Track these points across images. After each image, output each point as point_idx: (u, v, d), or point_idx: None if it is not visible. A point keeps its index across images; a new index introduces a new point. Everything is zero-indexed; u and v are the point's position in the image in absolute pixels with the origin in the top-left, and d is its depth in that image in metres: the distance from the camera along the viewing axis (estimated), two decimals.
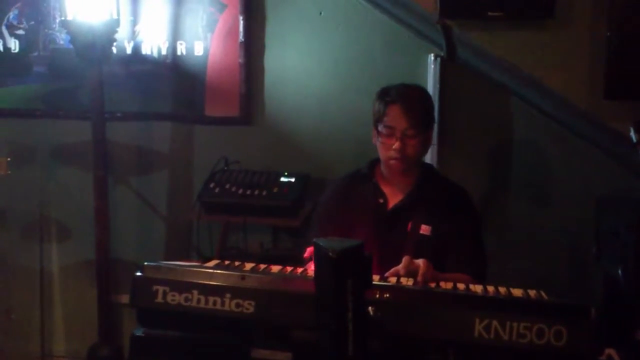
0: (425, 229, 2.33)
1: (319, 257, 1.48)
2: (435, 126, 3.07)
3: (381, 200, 2.41)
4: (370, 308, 1.54)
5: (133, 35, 3.53)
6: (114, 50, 3.34)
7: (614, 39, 2.91)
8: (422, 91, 2.48)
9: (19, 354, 3.75)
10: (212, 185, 3.24)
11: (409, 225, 2.34)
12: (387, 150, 2.34)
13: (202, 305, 1.64)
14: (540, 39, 3.05)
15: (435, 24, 3.12)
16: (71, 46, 3.29)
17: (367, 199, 2.42)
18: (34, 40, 3.63)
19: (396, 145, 2.31)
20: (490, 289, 1.81)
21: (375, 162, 2.47)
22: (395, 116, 2.32)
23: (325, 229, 2.38)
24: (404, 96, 2.35)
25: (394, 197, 2.41)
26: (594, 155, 3.20)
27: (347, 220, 2.37)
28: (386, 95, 2.37)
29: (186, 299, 1.65)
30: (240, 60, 3.45)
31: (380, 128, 2.36)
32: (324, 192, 2.60)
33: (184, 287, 1.66)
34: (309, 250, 2.08)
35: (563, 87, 3.05)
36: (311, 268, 2.02)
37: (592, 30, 3.00)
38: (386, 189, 2.42)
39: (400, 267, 2.02)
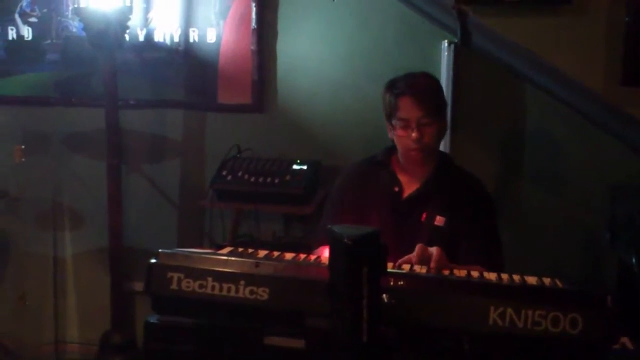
0: (439, 220, 2.32)
1: (334, 244, 1.47)
2: (449, 113, 3.07)
3: (396, 189, 2.40)
4: (384, 295, 1.54)
5: (146, 22, 3.53)
6: (127, 37, 3.35)
7: (632, 25, 2.88)
8: (429, 77, 2.46)
9: (33, 341, 3.77)
10: (224, 172, 3.24)
11: (424, 216, 2.33)
12: (405, 141, 2.33)
13: (216, 292, 1.64)
14: (557, 24, 3.03)
15: (451, 10, 3.09)
16: (84, 33, 3.29)
17: (382, 186, 2.41)
18: (46, 27, 3.64)
19: (414, 135, 2.29)
20: (505, 276, 1.80)
21: (391, 149, 2.46)
22: (408, 107, 2.30)
23: (339, 215, 2.38)
24: (413, 86, 2.34)
25: (409, 186, 2.40)
26: (608, 142, 3.17)
27: (361, 207, 2.37)
28: (394, 88, 2.36)
29: (201, 286, 1.65)
30: (253, 47, 3.44)
31: (394, 122, 2.34)
32: (337, 177, 2.59)
33: (199, 274, 1.65)
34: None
35: (580, 73, 3.03)
36: (323, 254, 2.02)
37: (610, 16, 2.97)
38: (402, 178, 2.41)
39: (413, 256, 2.01)
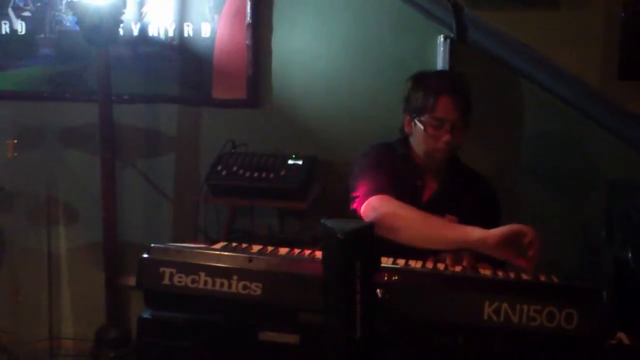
0: (450, 219, 2.28)
1: (327, 239, 1.46)
2: None
3: (419, 183, 2.37)
4: (378, 290, 1.53)
5: (140, 16, 3.51)
6: (121, 32, 3.32)
7: (628, 19, 2.87)
8: (464, 78, 2.42)
9: (27, 336, 3.75)
10: (219, 168, 3.23)
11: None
12: (435, 142, 2.30)
13: (209, 287, 1.63)
14: (554, 18, 3.01)
15: (446, 4, 3.08)
16: (78, 28, 3.27)
17: (405, 178, 2.37)
18: (40, 22, 3.62)
19: (446, 137, 2.27)
20: (500, 271, 1.80)
21: (407, 141, 2.42)
22: (447, 108, 2.27)
23: (387, 177, 2.29)
24: (454, 86, 2.31)
25: (429, 183, 2.38)
26: (605, 138, 3.16)
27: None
28: (429, 84, 2.31)
29: (193, 281, 1.64)
30: (248, 41, 3.43)
31: (425, 119, 2.30)
32: (367, 150, 2.47)
33: (191, 269, 1.64)
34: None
35: (576, 67, 3.02)
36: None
37: (607, 10, 2.96)
38: (424, 173, 2.39)
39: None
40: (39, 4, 3.60)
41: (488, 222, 2.31)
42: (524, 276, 1.75)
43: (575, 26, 3.01)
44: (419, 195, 2.36)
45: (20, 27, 3.63)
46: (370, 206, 2.21)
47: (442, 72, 2.39)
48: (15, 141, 3.53)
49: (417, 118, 2.32)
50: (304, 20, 3.40)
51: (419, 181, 2.38)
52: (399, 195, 2.29)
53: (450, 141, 2.28)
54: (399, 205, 2.17)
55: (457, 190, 2.36)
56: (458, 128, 2.28)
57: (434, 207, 2.32)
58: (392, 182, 2.27)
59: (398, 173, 2.37)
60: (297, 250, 1.84)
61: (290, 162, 3.21)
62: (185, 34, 3.49)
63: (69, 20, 3.56)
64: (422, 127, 2.30)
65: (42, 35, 3.62)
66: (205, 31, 3.47)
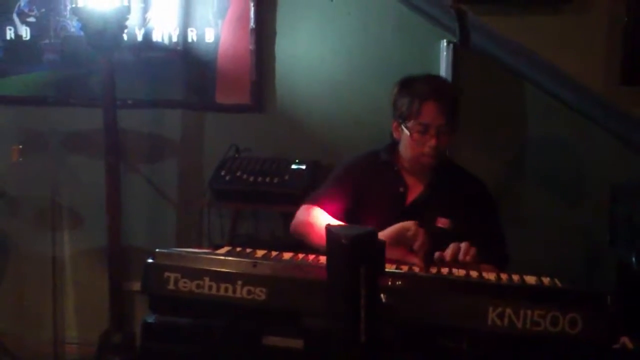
0: (443, 222, 2.29)
1: (332, 244, 1.47)
2: None
3: (402, 189, 2.38)
4: (382, 295, 1.53)
5: (144, 22, 3.53)
6: (125, 37, 3.34)
7: (632, 24, 2.88)
8: (449, 83, 2.44)
9: (32, 341, 3.76)
10: (222, 172, 3.23)
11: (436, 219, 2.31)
12: (420, 147, 2.30)
13: (213, 292, 1.63)
14: (557, 24, 3.03)
15: (449, 9, 3.09)
16: (82, 33, 3.28)
17: (387, 185, 2.38)
18: (45, 27, 3.63)
19: (432, 142, 2.27)
20: (504, 276, 1.80)
21: (394, 147, 2.43)
22: (431, 113, 2.27)
23: (339, 193, 2.36)
24: (438, 91, 2.31)
25: (414, 187, 2.38)
26: (608, 142, 3.17)
27: (364, 204, 2.34)
28: (415, 90, 2.31)
29: (198, 286, 1.64)
30: (251, 47, 3.44)
31: (410, 124, 2.30)
32: (347, 160, 2.53)
33: (196, 274, 1.65)
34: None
35: (580, 72, 3.03)
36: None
37: (610, 15, 2.97)
38: (407, 178, 2.40)
39: (446, 254, 2.01)
40: (43, 10, 3.62)
41: (482, 224, 2.32)
42: (528, 281, 1.75)
43: (579, 31, 3.03)
44: (401, 201, 2.37)
45: (25, 32, 3.65)
46: (297, 214, 2.37)
47: (427, 77, 2.39)
48: (20, 146, 3.55)
49: (404, 124, 2.33)
50: (307, 25, 3.41)
51: (401, 187, 2.38)
52: (381, 203, 2.34)
53: (437, 146, 2.28)
54: (315, 215, 2.29)
55: (446, 193, 2.35)
56: (444, 132, 2.29)
57: (418, 211, 2.32)
58: (350, 196, 2.35)
59: (379, 180, 2.39)
60: (301, 255, 1.84)
61: (293, 166, 3.22)
62: (189, 39, 3.50)
63: (73, 25, 3.57)
64: (408, 132, 2.31)
65: (47, 41, 3.63)
66: (209, 36, 3.48)
